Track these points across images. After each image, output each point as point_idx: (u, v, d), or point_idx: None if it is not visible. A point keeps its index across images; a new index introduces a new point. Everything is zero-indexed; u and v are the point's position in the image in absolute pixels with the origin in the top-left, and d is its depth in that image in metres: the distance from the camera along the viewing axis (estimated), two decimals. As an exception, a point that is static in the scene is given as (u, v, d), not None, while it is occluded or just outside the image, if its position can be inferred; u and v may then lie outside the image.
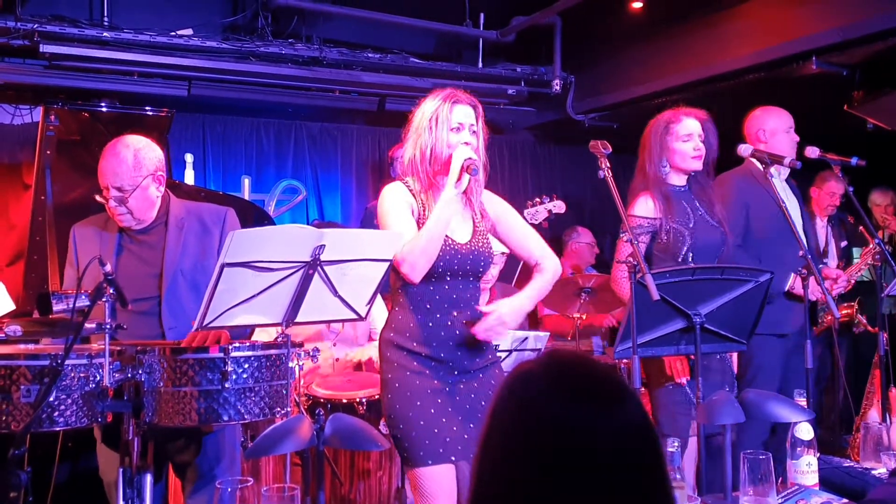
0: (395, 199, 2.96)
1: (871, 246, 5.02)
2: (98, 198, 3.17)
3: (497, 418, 1.25)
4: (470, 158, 2.87)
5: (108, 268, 2.56)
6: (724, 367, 3.60)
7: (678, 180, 3.65)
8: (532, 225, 5.07)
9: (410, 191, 3.00)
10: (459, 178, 2.87)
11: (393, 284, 3.03)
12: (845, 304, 5.58)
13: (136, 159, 3.14)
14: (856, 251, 5.98)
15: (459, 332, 2.94)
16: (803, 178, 4.67)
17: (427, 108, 2.98)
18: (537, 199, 5.12)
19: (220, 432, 3.18)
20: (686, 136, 3.59)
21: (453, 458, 2.85)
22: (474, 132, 2.99)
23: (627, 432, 1.20)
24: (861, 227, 5.46)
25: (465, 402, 2.93)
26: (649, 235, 3.55)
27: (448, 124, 2.94)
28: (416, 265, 2.84)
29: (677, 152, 3.60)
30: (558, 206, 5.05)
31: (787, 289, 4.09)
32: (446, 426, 2.86)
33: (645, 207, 3.57)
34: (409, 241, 2.85)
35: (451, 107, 2.95)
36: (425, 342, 2.92)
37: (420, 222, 2.94)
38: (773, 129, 4.32)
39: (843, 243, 5.94)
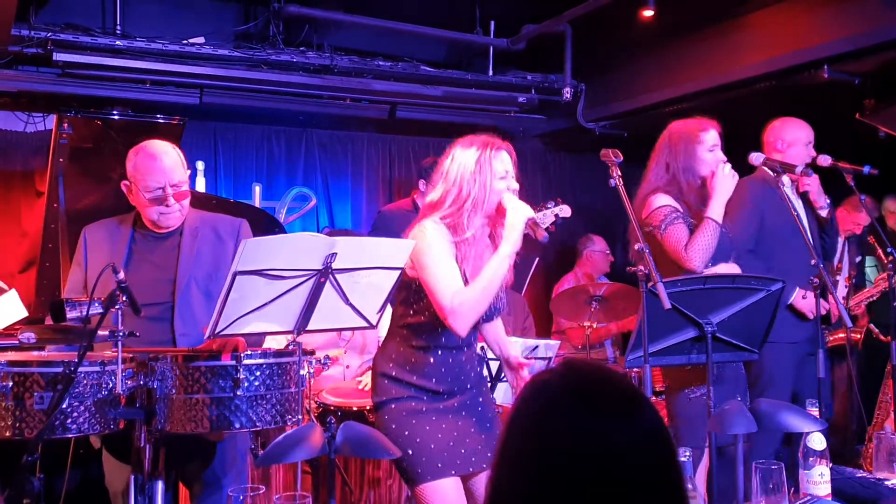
0: (441, 241, 2.84)
1: (888, 270, 5.02)
2: (149, 198, 3.12)
3: (514, 429, 1.26)
4: (533, 218, 2.85)
5: (122, 275, 2.57)
6: (737, 375, 3.59)
7: (694, 188, 3.65)
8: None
9: (448, 232, 2.89)
10: (521, 237, 2.84)
11: (399, 318, 2.99)
12: (856, 328, 5.58)
13: (181, 157, 3.22)
14: (867, 259, 5.95)
15: (458, 368, 2.98)
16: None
17: (468, 157, 2.91)
18: (542, 204, 5.11)
19: (228, 441, 3.18)
20: (713, 146, 3.61)
21: (453, 472, 2.87)
22: (513, 177, 2.97)
23: (644, 441, 1.20)
24: (879, 251, 5.44)
25: (457, 418, 2.95)
26: (683, 221, 3.53)
27: (494, 173, 2.90)
28: (468, 319, 2.78)
29: (704, 162, 3.60)
30: (564, 210, 5.01)
31: (790, 302, 4.08)
32: (442, 441, 2.88)
33: (666, 199, 3.58)
34: (462, 293, 2.77)
35: (496, 153, 2.93)
36: (426, 377, 2.93)
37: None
38: (793, 140, 4.30)
39: (857, 258, 5.92)
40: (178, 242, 3.22)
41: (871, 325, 5.54)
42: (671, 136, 3.69)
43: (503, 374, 3.91)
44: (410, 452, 2.85)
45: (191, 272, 3.15)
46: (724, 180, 3.52)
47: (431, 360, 2.94)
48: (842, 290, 5.25)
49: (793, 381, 4.14)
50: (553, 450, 1.19)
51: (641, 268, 2.88)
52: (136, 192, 3.16)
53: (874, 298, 5.40)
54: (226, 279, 3.18)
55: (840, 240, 5.60)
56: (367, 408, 4.05)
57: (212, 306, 3.14)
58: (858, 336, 5.56)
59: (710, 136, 3.63)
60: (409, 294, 2.93)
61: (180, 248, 3.20)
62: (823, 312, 3.84)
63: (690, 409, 3.45)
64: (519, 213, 2.84)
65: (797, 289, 4.05)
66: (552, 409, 1.22)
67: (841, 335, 5.12)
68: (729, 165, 3.54)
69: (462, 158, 2.91)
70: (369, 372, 4.44)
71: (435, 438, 2.87)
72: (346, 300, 2.77)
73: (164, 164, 3.13)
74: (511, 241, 2.82)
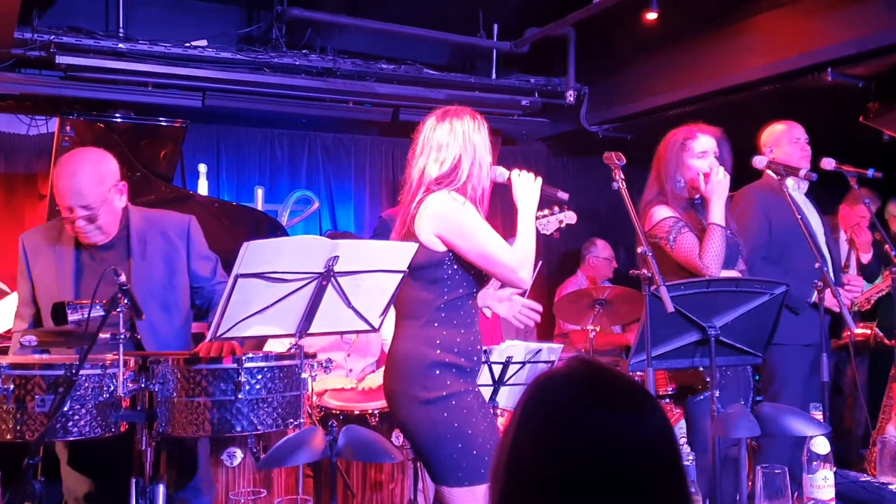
0: (475, 210, 2.90)
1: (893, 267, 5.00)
2: (60, 219, 3.01)
3: (524, 425, 1.25)
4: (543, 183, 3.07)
5: (122, 278, 2.57)
6: (739, 378, 3.57)
7: (692, 193, 3.64)
8: (543, 236, 5.07)
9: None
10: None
11: (431, 302, 2.89)
12: (863, 324, 5.55)
13: (98, 173, 2.97)
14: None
15: (481, 344, 3.00)
16: (823, 190, 4.64)
17: (474, 124, 3.01)
18: (548, 210, 5.09)
19: (193, 448, 3.15)
20: (702, 153, 3.58)
21: None
22: None
23: (655, 437, 1.21)
24: (886, 247, 5.41)
25: (493, 421, 2.97)
26: (687, 228, 3.52)
27: (487, 147, 3.01)
28: (530, 271, 2.92)
29: (692, 169, 3.59)
30: (569, 217, 5.00)
31: (812, 300, 4.06)
32: (495, 442, 2.86)
33: (667, 211, 3.56)
34: (516, 249, 2.91)
35: (485, 125, 3.04)
36: (469, 356, 2.90)
37: None
38: (776, 140, 4.32)
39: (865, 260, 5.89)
40: (126, 253, 3.07)
41: (876, 329, 5.52)
42: (662, 146, 3.68)
43: (506, 377, 3.91)
44: (475, 452, 2.79)
45: (146, 287, 3.00)
46: (718, 185, 3.51)
47: (471, 337, 2.92)
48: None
49: (802, 387, 4.12)
50: (568, 445, 1.19)
51: (644, 271, 2.87)
52: None
53: (884, 293, 5.37)
54: (182, 286, 3.13)
55: (844, 235, 5.58)
56: (369, 411, 4.05)
57: (172, 319, 3.10)
58: (868, 332, 5.53)
59: (699, 143, 3.59)
60: (441, 272, 2.87)
61: (131, 261, 3.05)
62: (837, 310, 3.82)
63: (697, 411, 3.43)
64: (533, 183, 3.05)
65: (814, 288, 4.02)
66: (565, 404, 1.22)
67: (846, 333, 5.10)
68: (722, 170, 3.52)
69: (466, 128, 2.98)
70: (371, 375, 4.46)
71: (492, 439, 2.86)
72: (349, 303, 2.76)
73: (71, 186, 2.92)
74: (534, 204, 3.03)
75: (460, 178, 2.91)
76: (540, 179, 3.05)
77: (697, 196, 3.63)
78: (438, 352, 2.84)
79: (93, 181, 2.95)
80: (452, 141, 2.94)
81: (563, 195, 3.09)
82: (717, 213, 3.48)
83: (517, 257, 2.88)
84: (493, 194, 3.07)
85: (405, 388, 2.85)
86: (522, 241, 2.94)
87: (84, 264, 3.06)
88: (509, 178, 3.05)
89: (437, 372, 2.83)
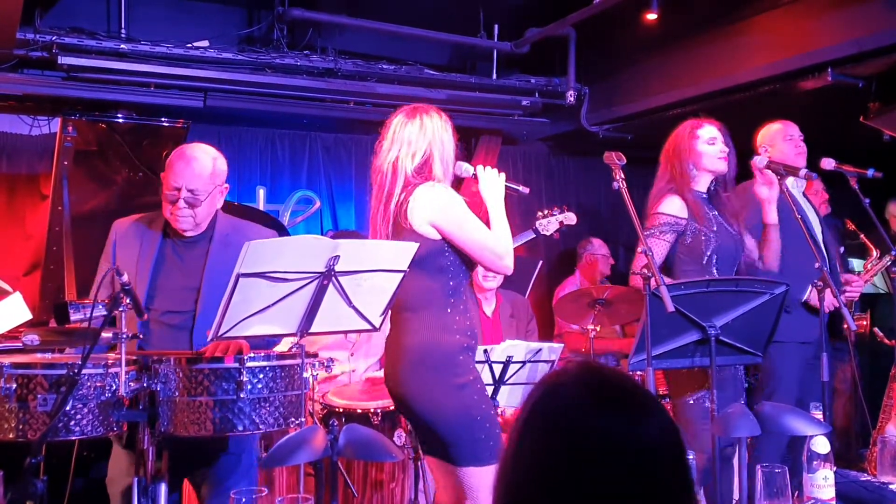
0: (463, 200, 3.05)
1: (873, 256, 5.00)
2: (166, 194, 3.14)
3: (531, 428, 1.25)
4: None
5: (125, 278, 2.58)
6: (735, 378, 3.59)
7: (702, 186, 3.68)
8: (543, 236, 5.10)
9: None
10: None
11: (440, 290, 2.98)
12: (856, 315, 5.54)
13: (215, 167, 3.18)
14: (857, 263, 5.91)
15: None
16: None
17: (441, 122, 3.10)
18: (548, 211, 5.11)
19: (237, 443, 3.17)
20: (711, 139, 3.66)
21: None
22: None
23: (662, 437, 1.21)
24: (862, 236, 5.41)
25: None
26: (675, 234, 3.55)
27: (454, 144, 3.13)
28: (513, 258, 3.05)
29: (704, 155, 3.65)
30: (570, 218, 5.02)
31: (804, 299, 4.08)
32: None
33: (673, 206, 3.59)
34: (500, 237, 3.01)
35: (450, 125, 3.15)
36: (476, 338, 3.04)
37: None
38: (771, 140, 4.34)
39: (841, 249, 5.86)
40: (206, 250, 3.19)
41: (876, 329, 5.52)
42: (670, 139, 3.75)
43: (507, 377, 3.92)
44: (498, 432, 2.93)
45: (216, 281, 3.07)
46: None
47: (474, 320, 3.05)
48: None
49: (798, 385, 4.13)
50: (575, 448, 1.19)
51: (645, 270, 2.88)
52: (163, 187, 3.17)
53: (869, 282, 5.37)
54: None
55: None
56: (371, 410, 4.05)
57: None
58: (865, 323, 5.52)
59: (707, 131, 3.69)
60: (443, 259, 2.99)
61: (208, 256, 3.17)
62: (832, 308, 3.83)
63: (691, 414, 3.44)
64: (499, 178, 3.14)
65: (811, 287, 4.03)
66: (572, 407, 1.23)
67: (844, 326, 5.10)
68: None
69: (435, 125, 3.09)
70: (379, 373, 4.47)
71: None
72: (349, 302, 2.77)
73: (188, 168, 3.11)
74: (501, 196, 3.11)
75: (434, 172, 3.03)
76: (503, 174, 3.14)
77: (706, 192, 3.66)
78: (458, 336, 2.95)
79: (209, 171, 3.15)
80: (422, 138, 3.06)
81: (525, 189, 3.21)
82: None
83: (504, 245, 3.01)
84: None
85: (436, 376, 2.92)
86: (502, 231, 3.04)
87: (165, 255, 3.19)
88: (475, 174, 3.15)
89: (461, 357, 2.95)
